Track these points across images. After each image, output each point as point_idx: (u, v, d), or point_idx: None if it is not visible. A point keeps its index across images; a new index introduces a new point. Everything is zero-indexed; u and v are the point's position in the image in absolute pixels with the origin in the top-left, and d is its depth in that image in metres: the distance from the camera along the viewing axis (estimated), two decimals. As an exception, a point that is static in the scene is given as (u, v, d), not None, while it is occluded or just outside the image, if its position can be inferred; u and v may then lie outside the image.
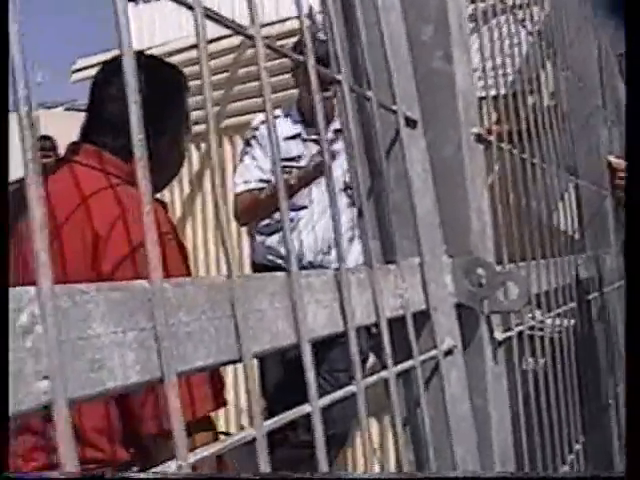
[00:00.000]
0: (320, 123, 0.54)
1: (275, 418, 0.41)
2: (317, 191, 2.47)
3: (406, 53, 0.78)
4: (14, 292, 0.27)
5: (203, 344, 0.36)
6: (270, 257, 2.51)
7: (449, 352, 0.74)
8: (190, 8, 0.39)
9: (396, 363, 0.59)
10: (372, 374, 0.56)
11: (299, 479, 0.40)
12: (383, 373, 0.56)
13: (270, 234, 2.50)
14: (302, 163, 2.44)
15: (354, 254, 2.33)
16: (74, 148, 1.24)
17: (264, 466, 0.39)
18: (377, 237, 0.72)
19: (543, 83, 1.42)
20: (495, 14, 1.01)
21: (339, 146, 2.51)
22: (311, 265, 2.46)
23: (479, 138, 0.84)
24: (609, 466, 1.57)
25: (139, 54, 1.33)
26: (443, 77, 0.80)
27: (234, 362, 0.39)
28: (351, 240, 2.40)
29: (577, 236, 1.55)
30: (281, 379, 2.40)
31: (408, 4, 0.80)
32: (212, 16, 0.41)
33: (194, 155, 3.66)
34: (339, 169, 2.45)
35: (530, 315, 1.01)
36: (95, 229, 1.10)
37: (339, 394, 0.48)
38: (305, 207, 2.50)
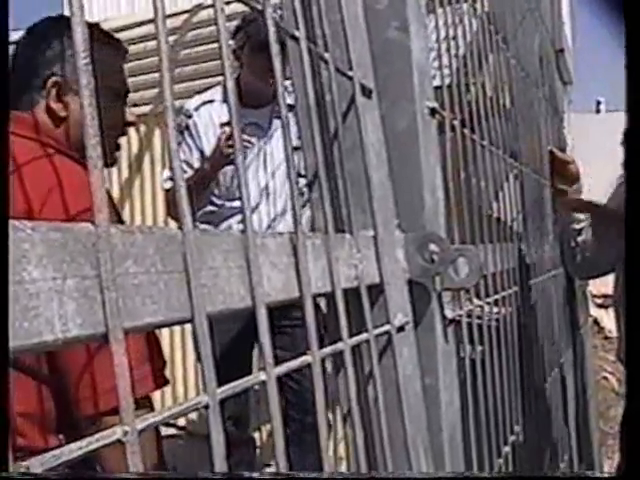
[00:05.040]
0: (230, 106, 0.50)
1: (229, 385, 0.37)
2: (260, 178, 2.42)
3: (362, 20, 0.76)
4: None
5: (152, 299, 0.33)
6: None
7: (401, 328, 0.72)
8: None
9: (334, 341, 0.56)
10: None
11: (294, 479, 0.39)
12: (339, 345, 0.54)
13: (218, 224, 2.42)
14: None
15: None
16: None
17: (216, 437, 0.36)
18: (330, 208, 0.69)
19: (486, 74, 1.42)
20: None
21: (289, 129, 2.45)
22: None
23: (433, 112, 0.82)
24: (543, 453, 1.59)
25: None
26: (398, 48, 0.78)
27: (185, 322, 0.36)
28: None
29: (517, 223, 1.56)
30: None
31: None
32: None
33: (133, 138, 3.55)
34: (278, 152, 2.40)
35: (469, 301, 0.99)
36: (30, 205, 1.04)
37: (296, 363, 0.45)
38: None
